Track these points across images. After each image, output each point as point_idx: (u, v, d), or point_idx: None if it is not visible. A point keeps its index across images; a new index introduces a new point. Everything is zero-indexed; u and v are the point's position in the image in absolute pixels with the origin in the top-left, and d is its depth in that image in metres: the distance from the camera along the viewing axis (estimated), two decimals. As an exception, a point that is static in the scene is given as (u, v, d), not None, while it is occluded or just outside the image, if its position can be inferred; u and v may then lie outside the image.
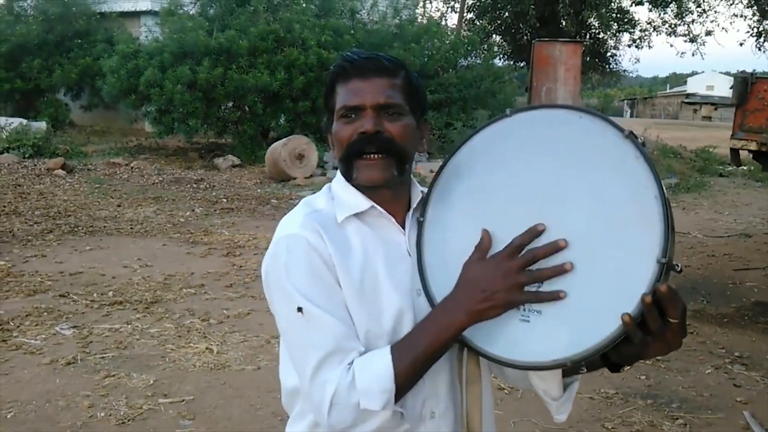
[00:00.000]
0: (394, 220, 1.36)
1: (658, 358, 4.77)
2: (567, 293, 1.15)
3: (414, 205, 1.38)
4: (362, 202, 1.34)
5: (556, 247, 1.15)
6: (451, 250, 1.28)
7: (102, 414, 3.82)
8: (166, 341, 4.88)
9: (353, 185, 1.35)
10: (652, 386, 4.37)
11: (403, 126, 1.31)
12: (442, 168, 1.35)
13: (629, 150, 1.15)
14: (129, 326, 5.16)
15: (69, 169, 12.46)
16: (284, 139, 12.69)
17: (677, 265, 1.12)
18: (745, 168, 14.84)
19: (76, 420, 3.75)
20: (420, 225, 1.34)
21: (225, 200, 10.80)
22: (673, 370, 4.64)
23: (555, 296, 1.15)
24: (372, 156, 1.30)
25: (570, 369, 1.21)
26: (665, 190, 1.12)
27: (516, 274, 1.16)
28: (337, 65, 1.34)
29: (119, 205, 10.06)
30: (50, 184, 11.39)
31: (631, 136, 1.16)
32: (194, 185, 11.99)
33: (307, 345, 1.25)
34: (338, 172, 1.40)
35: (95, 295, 5.90)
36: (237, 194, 11.34)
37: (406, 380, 1.21)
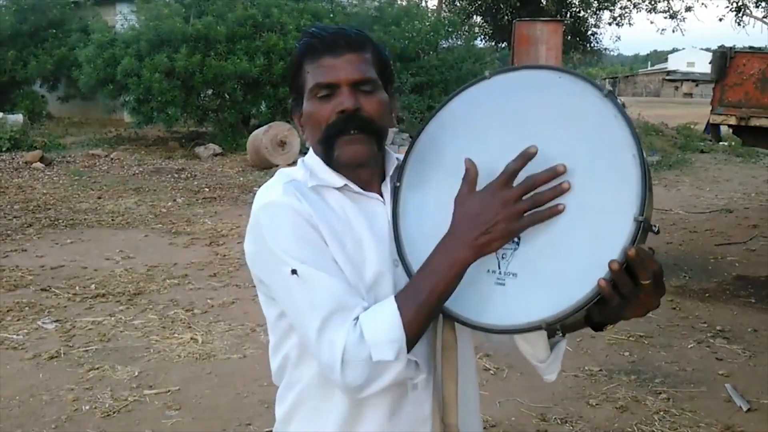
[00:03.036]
0: (370, 194, 1.34)
1: (641, 334, 4.85)
2: (542, 254, 1.14)
3: (389, 173, 1.37)
4: (336, 180, 1.32)
5: (555, 173, 1.11)
6: (428, 216, 1.26)
7: (87, 407, 3.80)
8: (150, 332, 4.86)
9: (328, 163, 1.33)
10: (635, 362, 4.41)
11: (378, 102, 1.29)
12: (419, 132, 1.33)
13: (608, 109, 1.14)
14: (112, 318, 5.13)
15: (47, 162, 12.32)
16: (265, 126, 12.59)
17: (654, 226, 1.11)
18: (725, 143, 14.95)
19: (60, 414, 3.73)
20: (396, 191, 1.33)
21: (207, 189, 10.73)
22: (656, 345, 4.69)
23: (554, 211, 1.12)
24: (353, 132, 1.27)
25: (548, 331, 1.20)
26: (642, 149, 1.12)
27: (515, 202, 1.13)
28: (304, 42, 1.30)
29: (100, 197, 9.97)
30: (29, 178, 11.26)
31: (611, 96, 1.15)
32: (175, 175, 11.90)
33: (308, 307, 1.21)
34: (311, 151, 1.37)
35: (77, 288, 5.86)
36: (219, 183, 11.27)
37: (415, 327, 1.18)
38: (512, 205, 1.13)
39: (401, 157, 1.39)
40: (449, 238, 1.18)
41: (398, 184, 1.33)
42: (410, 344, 1.19)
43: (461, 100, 1.29)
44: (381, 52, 1.34)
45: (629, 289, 1.11)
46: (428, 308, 1.19)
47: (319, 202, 1.29)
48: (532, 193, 1.13)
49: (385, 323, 1.17)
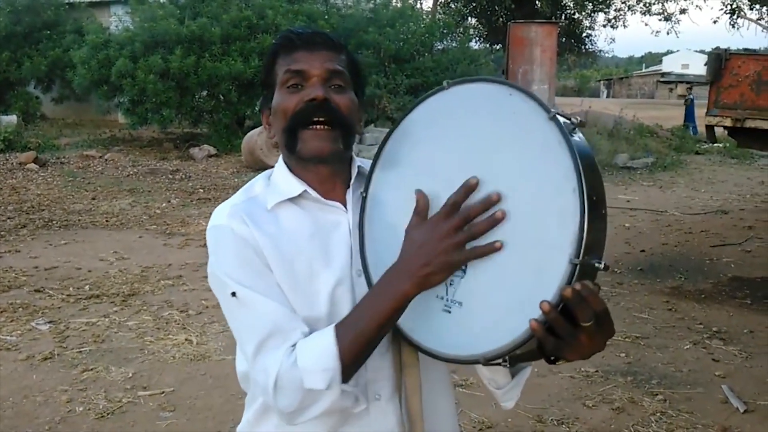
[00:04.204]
0: (330, 202, 1.32)
1: (637, 335, 4.84)
2: (485, 286, 1.11)
3: (352, 180, 1.34)
4: (296, 186, 1.30)
5: (489, 201, 1.08)
6: (392, 227, 1.23)
7: (81, 408, 3.77)
8: (144, 333, 4.83)
9: (290, 169, 1.32)
10: (631, 363, 4.40)
11: (349, 99, 1.29)
12: (385, 140, 1.31)
13: (554, 134, 1.06)
14: (106, 319, 5.10)
15: (42, 163, 12.28)
16: (260, 127, 12.54)
17: (599, 263, 1.03)
18: (720, 145, 14.99)
19: (54, 415, 3.70)
20: (363, 201, 1.30)
21: (201, 190, 10.71)
22: (652, 346, 4.68)
23: (491, 248, 1.08)
24: (319, 126, 1.26)
25: (486, 365, 1.15)
26: (585, 182, 1.02)
27: (453, 234, 1.11)
28: (281, 38, 1.32)
29: (94, 198, 9.93)
30: (23, 179, 11.22)
31: (556, 119, 1.07)
32: (170, 176, 11.87)
33: (247, 329, 1.22)
34: (280, 158, 1.36)
35: (71, 289, 5.83)
36: (214, 184, 11.25)
37: (352, 357, 1.16)
38: (451, 238, 1.11)
39: (363, 162, 1.37)
40: (394, 268, 1.17)
41: (364, 194, 1.30)
42: (347, 373, 1.17)
43: (423, 111, 1.26)
44: (354, 58, 1.35)
45: (565, 332, 1.04)
46: (366, 338, 1.17)
47: (271, 225, 1.27)
48: (469, 224, 1.11)
49: (319, 351, 1.16)
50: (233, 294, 1.22)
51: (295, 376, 1.15)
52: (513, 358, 1.11)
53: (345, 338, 1.16)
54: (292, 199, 1.30)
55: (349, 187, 1.34)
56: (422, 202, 1.17)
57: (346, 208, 1.32)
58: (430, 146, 1.23)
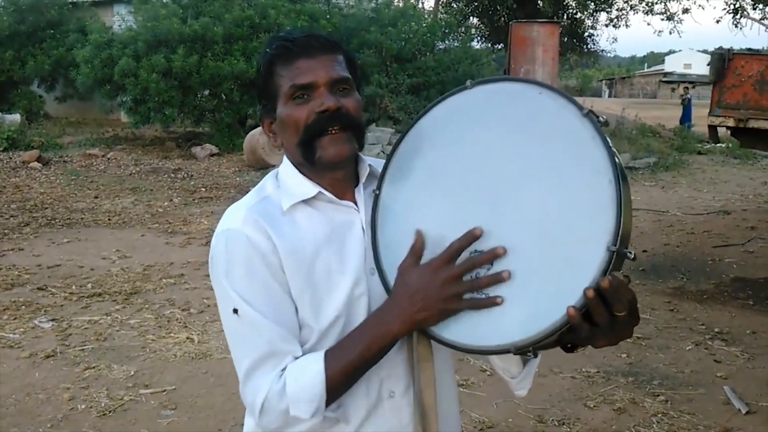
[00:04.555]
0: (344, 202, 1.32)
1: (639, 335, 4.83)
2: (515, 278, 1.12)
3: (363, 179, 1.34)
4: (309, 188, 1.29)
5: (494, 255, 1.11)
6: (406, 226, 1.23)
7: (83, 406, 3.78)
8: (146, 332, 4.84)
9: (301, 172, 1.31)
10: (633, 364, 4.40)
11: (356, 101, 1.28)
12: (400, 140, 1.30)
13: (586, 130, 1.10)
14: (108, 318, 5.11)
15: (45, 162, 12.30)
16: (262, 127, 12.59)
17: (630, 252, 1.06)
18: (723, 145, 14.98)
19: (56, 413, 3.71)
20: (375, 199, 1.30)
21: (203, 189, 10.72)
22: (654, 347, 4.68)
23: (492, 302, 1.11)
24: (335, 131, 1.25)
25: (517, 354, 1.16)
26: (620, 175, 1.07)
27: (454, 283, 1.13)
28: (277, 45, 1.27)
29: (96, 197, 9.95)
30: (26, 177, 11.24)
31: (590, 115, 1.10)
32: (172, 175, 11.89)
33: (242, 346, 1.24)
34: (285, 159, 1.35)
35: (74, 287, 5.84)
36: (215, 183, 11.26)
37: (337, 387, 1.20)
38: (451, 286, 1.13)
39: (372, 161, 1.37)
40: (386, 307, 1.19)
41: (377, 192, 1.30)
42: (331, 400, 1.21)
43: (444, 109, 1.26)
44: (350, 54, 1.34)
45: (604, 319, 1.07)
46: (353, 370, 1.21)
47: (286, 224, 1.27)
48: (472, 275, 1.13)
49: (307, 381, 1.19)
50: (235, 311, 1.23)
51: (282, 401, 1.19)
52: (537, 347, 1.13)
53: (333, 368, 1.19)
54: (305, 201, 1.30)
55: (358, 185, 1.34)
56: (419, 243, 1.18)
57: (357, 207, 1.33)
58: (451, 147, 1.23)
